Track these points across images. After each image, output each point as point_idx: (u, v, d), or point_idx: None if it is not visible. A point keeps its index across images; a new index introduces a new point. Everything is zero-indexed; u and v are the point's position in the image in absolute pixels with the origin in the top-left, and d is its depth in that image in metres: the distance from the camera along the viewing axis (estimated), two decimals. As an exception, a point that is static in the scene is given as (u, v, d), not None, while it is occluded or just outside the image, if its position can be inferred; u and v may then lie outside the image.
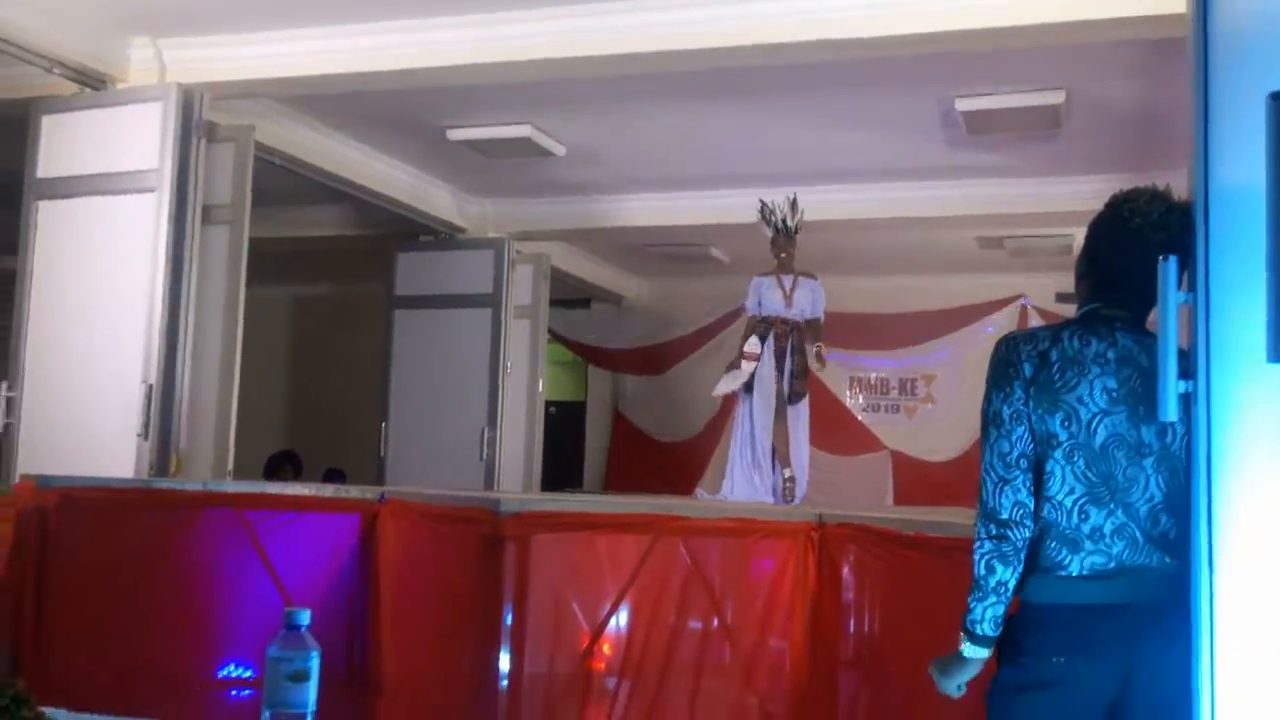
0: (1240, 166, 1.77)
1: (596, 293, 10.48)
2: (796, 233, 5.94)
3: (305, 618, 1.64)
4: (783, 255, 5.92)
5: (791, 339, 5.83)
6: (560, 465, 10.04)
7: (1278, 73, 1.41)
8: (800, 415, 5.91)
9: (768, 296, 5.89)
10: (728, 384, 5.94)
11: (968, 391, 9.11)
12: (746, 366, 5.84)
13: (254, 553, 3.61)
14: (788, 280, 5.88)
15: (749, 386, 5.87)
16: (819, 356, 5.87)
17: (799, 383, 5.86)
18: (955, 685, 2.26)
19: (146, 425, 4.92)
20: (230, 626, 3.61)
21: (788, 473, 5.79)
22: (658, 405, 10.50)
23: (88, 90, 5.36)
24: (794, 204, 5.91)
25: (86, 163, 5.25)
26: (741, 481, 5.82)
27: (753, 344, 5.85)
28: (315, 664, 1.67)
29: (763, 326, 5.85)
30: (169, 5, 5.03)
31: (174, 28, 5.29)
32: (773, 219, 5.93)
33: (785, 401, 5.83)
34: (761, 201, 5.96)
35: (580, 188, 7.70)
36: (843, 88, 5.70)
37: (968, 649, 2.21)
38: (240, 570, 3.63)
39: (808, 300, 5.88)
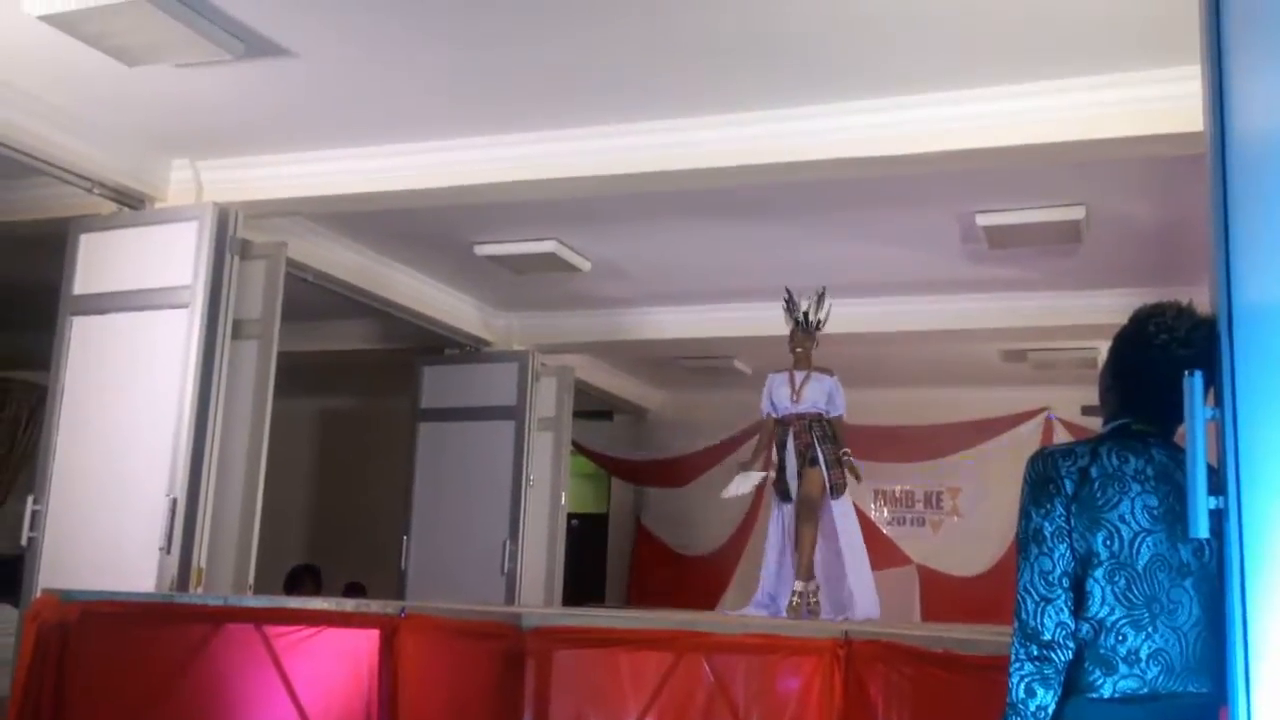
0: (1264, 280, 1.77)
1: (619, 405, 10.51)
2: (818, 329, 5.56)
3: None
4: (798, 350, 5.52)
5: (813, 431, 5.39)
6: (582, 578, 9.94)
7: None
8: (845, 515, 5.41)
9: (778, 394, 5.51)
10: (739, 486, 5.54)
11: (993, 505, 9.12)
12: (755, 475, 5.48)
13: (272, 668, 3.56)
14: (799, 376, 5.48)
15: (785, 494, 5.42)
16: (851, 467, 5.41)
17: (836, 473, 5.35)
18: None
19: (170, 539, 4.92)
20: (247, 745, 3.55)
21: (801, 585, 5.20)
22: (680, 518, 10.42)
23: (126, 209, 5.51)
24: (821, 298, 5.55)
25: (122, 279, 5.36)
26: (764, 601, 5.40)
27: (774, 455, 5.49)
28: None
29: (780, 430, 5.48)
30: (208, 128, 5.19)
31: (212, 149, 5.45)
32: (795, 311, 5.58)
33: (814, 504, 5.30)
34: (787, 290, 5.60)
35: (605, 301, 7.79)
36: (865, 203, 5.78)
37: None
38: (258, 686, 3.58)
39: (820, 394, 5.43)
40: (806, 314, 5.55)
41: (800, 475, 5.36)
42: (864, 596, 5.28)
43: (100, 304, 5.36)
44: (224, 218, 5.32)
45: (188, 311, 5.17)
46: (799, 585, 5.20)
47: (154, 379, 5.17)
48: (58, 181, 5.24)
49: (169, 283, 5.26)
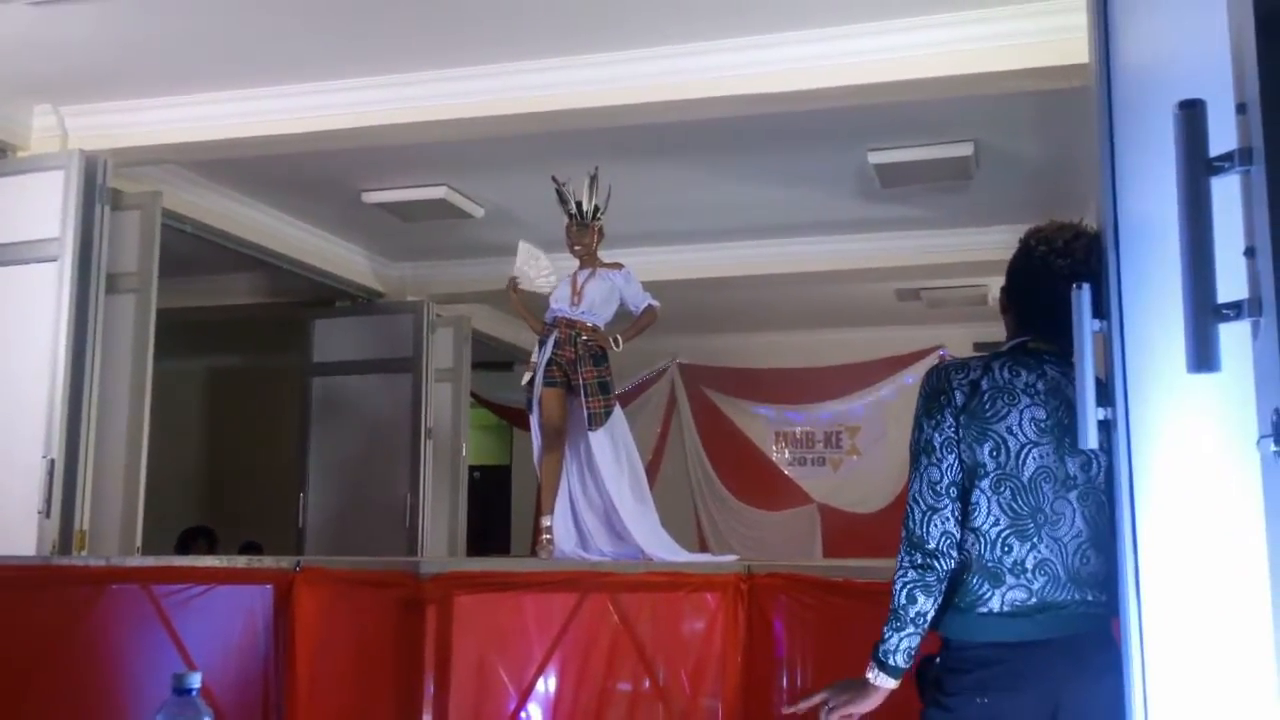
0: (1148, 191, 1.77)
1: (519, 355, 10.37)
2: (596, 219, 4.75)
3: (195, 680, 1.53)
4: (577, 248, 4.74)
5: (579, 346, 4.61)
6: (486, 530, 9.88)
7: (1182, 87, 1.42)
8: (605, 450, 4.55)
9: (555, 294, 4.77)
10: (524, 258, 4.92)
11: (890, 443, 9.28)
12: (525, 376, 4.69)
13: (162, 628, 3.44)
14: (583, 275, 4.69)
15: (529, 405, 4.72)
16: (615, 340, 4.70)
17: (594, 401, 4.53)
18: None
19: (48, 502, 4.73)
20: (137, 705, 3.43)
21: (548, 521, 4.54)
22: (582, 467, 10.38)
23: (-14, 159, 5.23)
24: (594, 180, 4.73)
25: (-14, 233, 5.09)
26: (562, 532, 4.64)
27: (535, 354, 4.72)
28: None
29: (546, 331, 4.72)
30: (71, 71, 4.92)
31: (77, 94, 5.19)
32: (568, 205, 4.78)
33: (556, 430, 4.61)
34: (555, 180, 4.80)
35: (500, 249, 7.58)
36: (757, 144, 5.75)
37: (877, 678, 2.15)
38: (147, 648, 3.46)
39: (606, 294, 4.68)
40: (580, 205, 4.75)
41: (542, 394, 4.64)
42: (647, 539, 4.45)
43: (-37, 258, 5.09)
44: (92, 166, 5.08)
45: (57, 265, 4.95)
46: (546, 521, 4.56)
47: (25, 336, 4.95)
48: (-90, 130, 4.95)
49: (36, 235, 5.02)
